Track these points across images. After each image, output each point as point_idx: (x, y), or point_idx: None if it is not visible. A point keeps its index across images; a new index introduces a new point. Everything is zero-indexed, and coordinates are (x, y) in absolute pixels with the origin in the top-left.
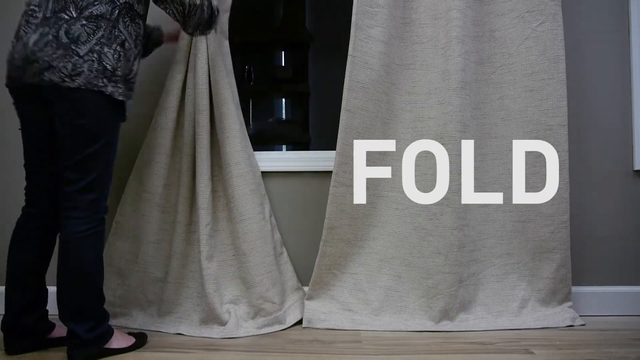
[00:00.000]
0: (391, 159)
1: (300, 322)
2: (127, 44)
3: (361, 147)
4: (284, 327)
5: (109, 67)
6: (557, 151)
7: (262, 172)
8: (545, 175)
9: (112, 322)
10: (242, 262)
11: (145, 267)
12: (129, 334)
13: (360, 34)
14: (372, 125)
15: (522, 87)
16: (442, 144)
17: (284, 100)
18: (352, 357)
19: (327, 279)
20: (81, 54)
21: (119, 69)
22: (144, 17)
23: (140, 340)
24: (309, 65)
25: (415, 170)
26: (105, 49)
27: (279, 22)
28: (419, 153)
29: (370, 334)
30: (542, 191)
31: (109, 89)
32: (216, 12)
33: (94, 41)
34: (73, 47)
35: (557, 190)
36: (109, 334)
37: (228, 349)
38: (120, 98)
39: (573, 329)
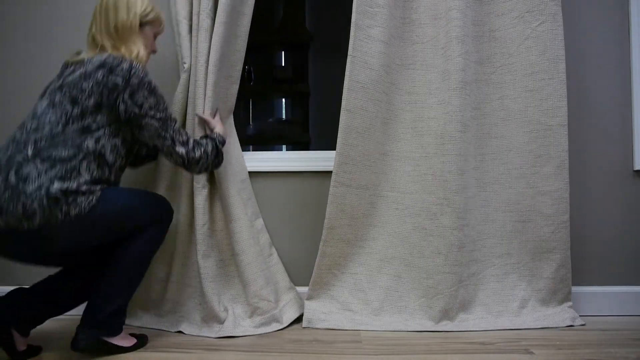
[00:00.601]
0: (391, 159)
1: (296, 321)
2: (84, 187)
3: (361, 147)
4: (282, 326)
5: (59, 195)
6: (557, 151)
7: (263, 172)
8: (545, 175)
9: None
10: (237, 262)
11: (150, 267)
12: (130, 334)
13: (360, 34)
14: (372, 125)
15: (522, 87)
16: (442, 144)
17: (284, 100)
18: (352, 357)
19: (327, 279)
20: (28, 192)
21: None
22: (113, 165)
23: (141, 341)
24: (309, 65)
25: (415, 170)
26: (56, 184)
27: (279, 22)
28: (419, 153)
29: (370, 334)
30: (541, 191)
31: (73, 210)
32: (221, 147)
33: (44, 178)
34: (20, 187)
35: (557, 190)
36: (120, 328)
37: (228, 349)
38: (91, 204)
39: (573, 329)
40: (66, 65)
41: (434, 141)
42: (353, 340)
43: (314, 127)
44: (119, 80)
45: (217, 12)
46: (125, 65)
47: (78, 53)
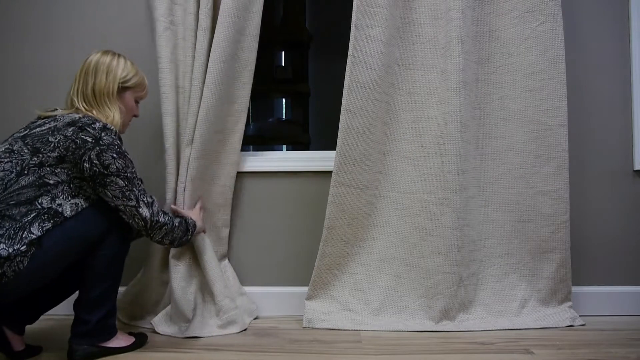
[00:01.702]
0: (391, 159)
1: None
2: (26, 247)
3: (361, 147)
4: (243, 328)
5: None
6: (557, 151)
7: (263, 172)
8: (545, 175)
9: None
10: (202, 262)
11: (150, 272)
12: (129, 333)
13: (360, 34)
14: (372, 125)
15: (522, 87)
16: (442, 144)
17: (284, 100)
18: (352, 357)
19: (327, 279)
20: None
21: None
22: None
23: (140, 340)
24: (309, 65)
25: (415, 170)
26: (0, 246)
27: (279, 22)
28: (419, 153)
29: (370, 334)
30: (541, 191)
31: (9, 271)
32: (192, 229)
33: None
34: None
35: (557, 190)
36: (113, 331)
37: (228, 349)
38: (30, 254)
39: (573, 329)
40: (37, 118)
41: (434, 141)
42: (353, 340)
43: (314, 127)
44: (89, 138)
45: (221, 9)
46: (97, 125)
47: (53, 110)
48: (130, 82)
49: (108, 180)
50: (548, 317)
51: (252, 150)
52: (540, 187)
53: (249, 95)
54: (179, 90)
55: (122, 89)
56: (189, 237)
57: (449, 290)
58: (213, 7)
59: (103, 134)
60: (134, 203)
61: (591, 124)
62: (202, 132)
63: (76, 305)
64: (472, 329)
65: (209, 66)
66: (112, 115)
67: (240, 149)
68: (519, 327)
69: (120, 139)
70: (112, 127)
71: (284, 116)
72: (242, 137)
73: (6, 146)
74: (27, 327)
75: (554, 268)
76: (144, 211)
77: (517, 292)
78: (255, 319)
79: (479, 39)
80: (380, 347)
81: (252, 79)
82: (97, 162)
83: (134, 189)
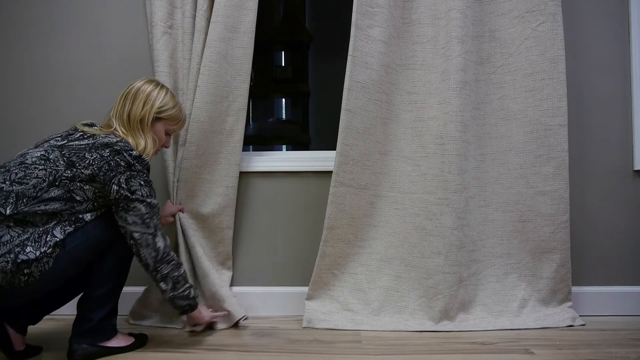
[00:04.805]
0: (391, 159)
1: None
2: (50, 250)
3: (361, 147)
4: (232, 323)
5: (26, 262)
6: (557, 151)
7: (263, 172)
8: (545, 175)
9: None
10: (192, 254)
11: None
12: (129, 334)
13: (360, 34)
14: (372, 125)
15: (522, 87)
16: (442, 144)
17: (284, 100)
18: (352, 357)
19: (327, 279)
20: None
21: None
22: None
23: (140, 340)
24: (309, 65)
25: (415, 170)
26: (28, 249)
27: (279, 22)
28: (419, 153)
29: (370, 334)
30: (541, 191)
31: (36, 272)
32: (190, 294)
33: (16, 242)
34: None
35: (557, 190)
36: (114, 331)
37: (228, 349)
38: (54, 255)
39: (573, 329)
40: (75, 129)
41: (434, 141)
42: (353, 340)
43: (314, 127)
44: (122, 162)
45: (213, 8)
46: (133, 153)
47: (90, 125)
48: (165, 113)
49: (132, 205)
50: (548, 317)
51: (252, 150)
52: (540, 187)
53: (248, 93)
54: (179, 92)
55: (156, 119)
56: (185, 293)
57: (449, 290)
58: (209, 8)
59: (136, 162)
60: (152, 231)
61: (591, 124)
62: (194, 132)
63: (80, 303)
64: (472, 329)
65: (201, 66)
66: (144, 144)
67: (241, 148)
68: (519, 327)
69: (148, 169)
70: (145, 157)
71: (284, 116)
72: (242, 137)
73: (42, 152)
74: (28, 327)
75: (554, 268)
76: (159, 241)
77: (517, 292)
78: (245, 319)
79: (479, 39)
80: (380, 347)
81: (249, 77)
82: (125, 185)
83: (154, 217)
